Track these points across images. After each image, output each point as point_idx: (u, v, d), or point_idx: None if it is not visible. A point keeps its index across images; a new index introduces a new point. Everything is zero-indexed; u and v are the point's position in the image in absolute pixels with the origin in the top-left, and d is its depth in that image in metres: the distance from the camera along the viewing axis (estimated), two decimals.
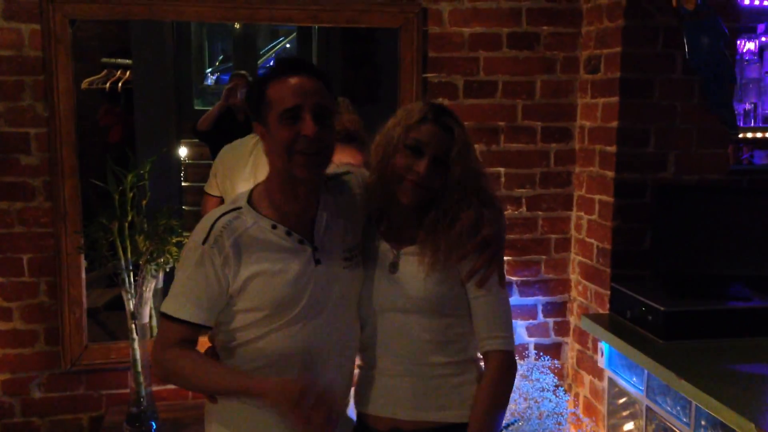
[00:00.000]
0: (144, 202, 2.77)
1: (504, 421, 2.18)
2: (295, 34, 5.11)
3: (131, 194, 2.71)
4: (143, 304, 2.75)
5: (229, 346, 1.82)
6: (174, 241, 2.73)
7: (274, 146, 1.75)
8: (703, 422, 2.37)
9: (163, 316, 1.77)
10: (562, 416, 3.11)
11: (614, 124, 2.94)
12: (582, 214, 3.24)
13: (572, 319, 3.36)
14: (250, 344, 1.79)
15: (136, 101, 3.91)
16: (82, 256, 2.90)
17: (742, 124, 2.95)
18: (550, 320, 3.37)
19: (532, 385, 3.15)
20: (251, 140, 3.04)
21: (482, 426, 1.82)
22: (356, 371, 1.99)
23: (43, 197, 2.89)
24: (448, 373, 1.87)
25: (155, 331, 2.76)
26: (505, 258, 2.07)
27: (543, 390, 3.14)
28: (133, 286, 2.74)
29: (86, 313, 2.98)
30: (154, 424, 2.80)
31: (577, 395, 3.35)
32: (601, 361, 3.03)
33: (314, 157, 1.74)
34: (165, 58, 3.98)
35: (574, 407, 3.31)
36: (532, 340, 3.36)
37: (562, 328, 3.38)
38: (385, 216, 1.93)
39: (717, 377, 2.32)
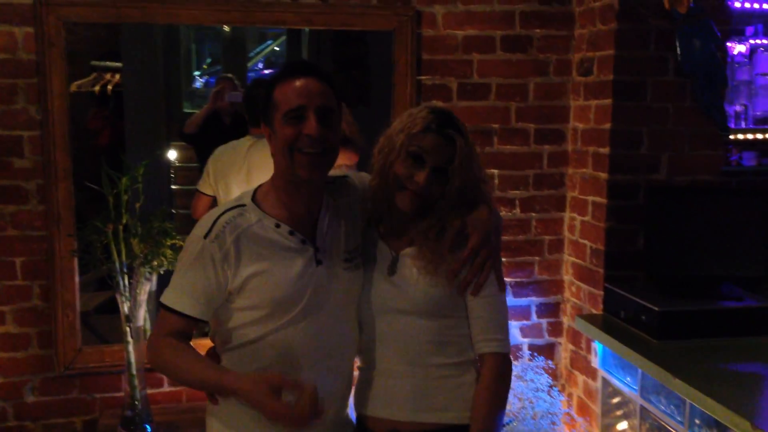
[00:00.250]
0: (138, 205, 2.77)
1: None
2: (284, 37, 5.10)
3: (125, 197, 2.71)
4: (137, 306, 2.74)
5: (229, 346, 1.82)
6: (168, 243, 2.73)
7: (278, 146, 1.76)
8: (697, 421, 2.39)
9: (161, 306, 1.79)
10: (557, 416, 3.13)
11: (607, 126, 2.96)
12: (575, 215, 3.25)
13: (566, 320, 3.38)
14: (250, 344, 1.80)
15: (126, 104, 3.89)
16: (76, 260, 2.89)
17: (733, 126, 2.98)
18: (544, 321, 3.39)
19: (526, 385, 3.17)
20: (246, 143, 3.04)
21: (486, 430, 1.82)
22: (355, 373, 2.00)
23: (37, 200, 2.88)
24: (447, 375, 1.87)
25: (149, 334, 2.75)
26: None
27: (537, 390, 3.15)
28: (127, 289, 2.73)
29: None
30: (148, 427, 2.79)
31: (570, 395, 3.36)
32: (595, 361, 3.05)
33: (317, 158, 1.75)
34: (154, 61, 3.96)
35: (568, 407, 3.33)
36: (526, 340, 3.38)
37: (555, 329, 3.40)
38: (385, 218, 1.94)
39: (711, 376, 2.34)
